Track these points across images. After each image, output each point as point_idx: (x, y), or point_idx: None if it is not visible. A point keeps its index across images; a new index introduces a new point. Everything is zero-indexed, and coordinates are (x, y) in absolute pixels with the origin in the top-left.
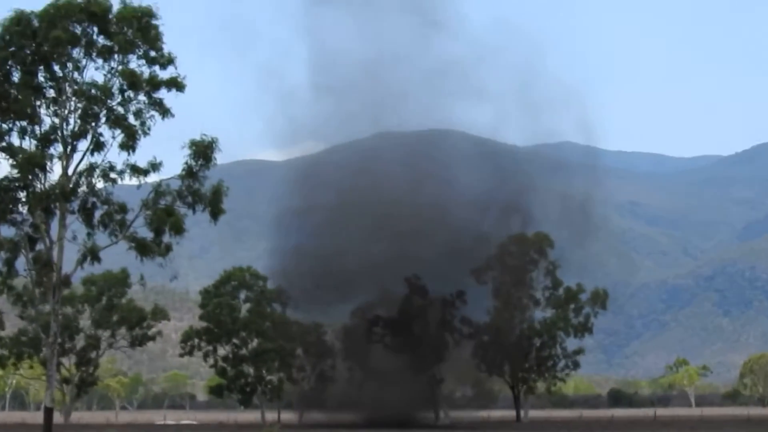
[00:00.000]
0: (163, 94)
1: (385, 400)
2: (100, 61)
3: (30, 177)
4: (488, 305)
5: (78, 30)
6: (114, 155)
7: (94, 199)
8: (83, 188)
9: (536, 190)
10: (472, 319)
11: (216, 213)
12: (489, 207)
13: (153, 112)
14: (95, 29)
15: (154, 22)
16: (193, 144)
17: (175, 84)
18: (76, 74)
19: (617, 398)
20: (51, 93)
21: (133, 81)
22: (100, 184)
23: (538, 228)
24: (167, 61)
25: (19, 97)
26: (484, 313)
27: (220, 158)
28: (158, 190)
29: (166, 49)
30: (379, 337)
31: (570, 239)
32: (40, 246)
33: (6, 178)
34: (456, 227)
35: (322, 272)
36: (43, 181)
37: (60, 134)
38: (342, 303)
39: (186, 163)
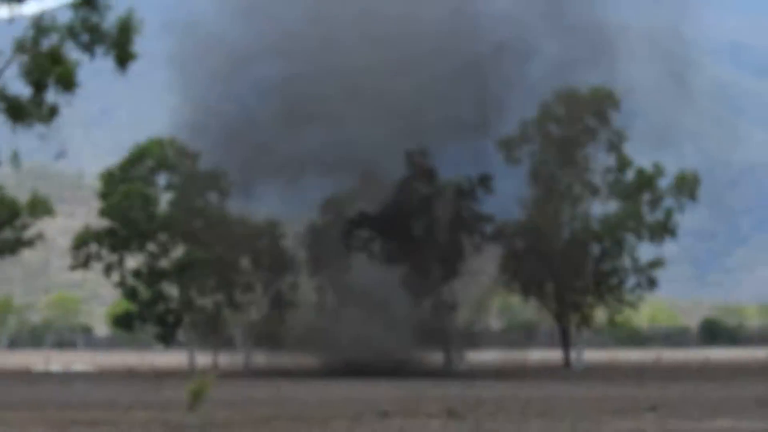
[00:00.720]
0: None
1: (370, 336)
2: None
3: None
4: (523, 195)
5: None
6: None
7: None
8: None
9: (596, 23)
10: (500, 215)
11: (124, 59)
12: (526, 44)
13: None
14: None
15: None
16: None
17: None
18: None
19: (713, 333)
20: None
21: None
22: None
23: (598, 79)
24: None
25: None
26: (518, 206)
27: None
28: (39, 25)
29: None
30: (362, 242)
31: (646, 96)
32: None
33: None
34: (476, 74)
35: (280, 147)
36: None
37: None
38: (308, 191)
39: None
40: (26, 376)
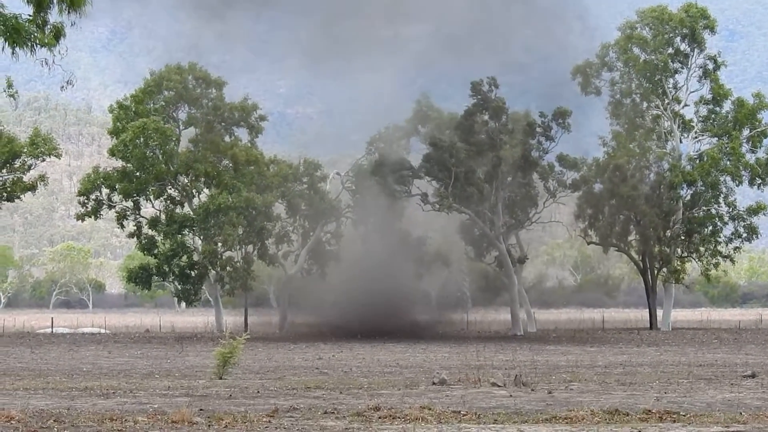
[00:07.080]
0: None
1: (425, 293)
2: None
3: None
4: (603, 132)
5: None
6: None
7: None
8: None
9: None
10: (576, 154)
11: None
12: None
13: None
14: None
15: None
16: None
17: None
18: None
19: None
20: None
21: None
22: None
23: None
24: None
25: None
26: (596, 145)
27: None
28: None
29: None
30: (414, 186)
31: (746, 15)
32: None
33: None
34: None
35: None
36: None
37: None
38: (352, 128)
39: None
40: (29, 338)
